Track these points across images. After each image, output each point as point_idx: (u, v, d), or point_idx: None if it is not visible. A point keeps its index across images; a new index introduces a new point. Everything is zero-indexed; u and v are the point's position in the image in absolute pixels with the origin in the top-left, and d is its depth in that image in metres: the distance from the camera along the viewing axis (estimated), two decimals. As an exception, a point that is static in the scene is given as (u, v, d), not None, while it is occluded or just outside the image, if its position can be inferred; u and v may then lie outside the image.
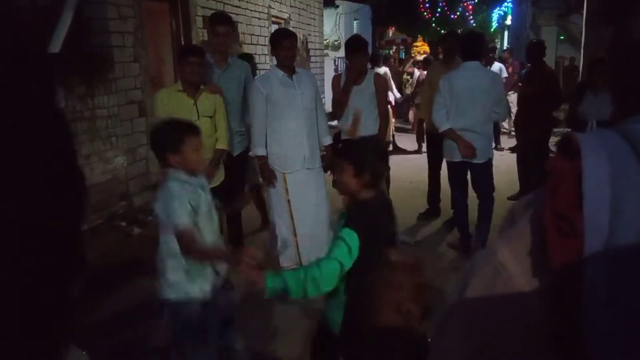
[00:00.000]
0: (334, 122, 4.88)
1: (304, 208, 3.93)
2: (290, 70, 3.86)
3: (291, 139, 3.85)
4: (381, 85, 4.31)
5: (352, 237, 1.93)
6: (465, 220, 4.42)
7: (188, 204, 2.21)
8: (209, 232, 2.35)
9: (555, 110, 5.88)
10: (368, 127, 4.23)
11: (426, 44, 14.28)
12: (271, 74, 3.94)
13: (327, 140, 4.15)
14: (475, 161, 4.21)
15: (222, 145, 3.72)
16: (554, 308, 0.47)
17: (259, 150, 3.86)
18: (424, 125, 5.68)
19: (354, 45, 4.28)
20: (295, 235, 3.97)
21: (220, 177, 3.75)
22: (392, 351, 0.75)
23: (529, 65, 5.97)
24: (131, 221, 5.19)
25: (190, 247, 2.22)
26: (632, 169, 0.45)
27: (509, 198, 5.58)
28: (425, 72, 7.93)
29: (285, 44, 3.81)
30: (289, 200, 3.93)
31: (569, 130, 6.17)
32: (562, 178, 0.48)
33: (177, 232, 2.21)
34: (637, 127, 0.49)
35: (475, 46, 4.21)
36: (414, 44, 14.84)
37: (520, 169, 5.96)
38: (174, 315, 2.39)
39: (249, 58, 5.03)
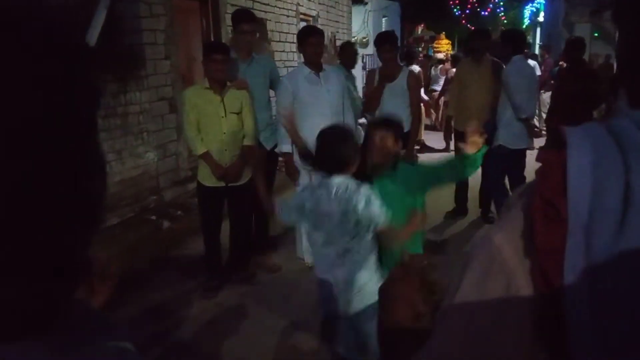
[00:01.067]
0: (362, 120, 4.89)
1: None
2: (317, 67, 3.89)
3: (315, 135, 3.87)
4: (414, 83, 4.29)
5: None
6: None
7: None
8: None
9: (594, 109, 5.70)
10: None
11: (448, 42, 14.08)
12: (298, 70, 3.97)
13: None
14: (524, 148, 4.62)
15: (249, 141, 3.74)
16: (537, 290, 0.51)
17: (284, 147, 3.89)
18: (452, 122, 5.62)
19: (377, 40, 4.35)
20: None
21: (248, 174, 3.77)
22: (405, 346, 0.79)
23: (562, 63, 5.86)
24: (161, 215, 5.30)
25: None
26: (613, 158, 0.49)
27: None
28: (454, 70, 7.87)
29: (312, 41, 3.84)
30: None
31: None
32: (550, 167, 0.52)
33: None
34: (622, 122, 0.53)
35: (522, 41, 4.74)
36: (435, 42, 14.66)
37: None
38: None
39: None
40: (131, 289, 3.83)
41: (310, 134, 3.83)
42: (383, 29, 15.64)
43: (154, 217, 5.23)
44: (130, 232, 4.85)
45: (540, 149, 7.24)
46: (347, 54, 5.30)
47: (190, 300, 3.72)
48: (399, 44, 4.72)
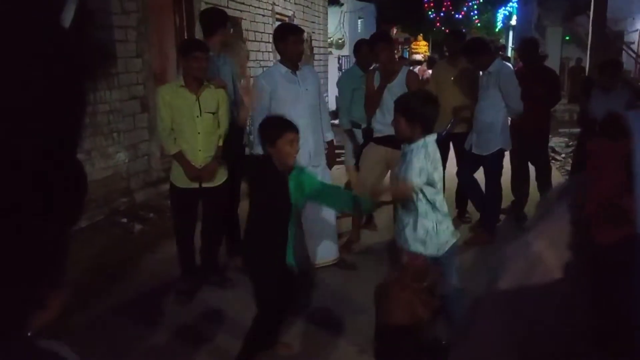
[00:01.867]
0: (336, 121, 4.82)
1: (312, 207, 3.86)
2: (294, 66, 3.81)
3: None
4: (413, 82, 4.18)
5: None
6: None
7: None
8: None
9: (552, 108, 5.64)
10: (384, 129, 4.14)
11: (425, 44, 14.16)
12: (274, 69, 3.88)
13: (330, 136, 4.10)
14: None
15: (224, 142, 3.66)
16: (597, 300, 0.45)
17: (261, 149, 3.78)
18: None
19: (372, 39, 4.29)
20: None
21: (222, 176, 3.67)
22: (400, 348, 0.75)
23: (521, 64, 5.82)
24: (132, 217, 5.15)
25: None
26: None
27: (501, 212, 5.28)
28: (429, 72, 7.89)
29: (293, 39, 3.76)
30: None
31: (580, 130, 6.11)
32: (607, 162, 0.45)
33: None
34: None
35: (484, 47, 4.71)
36: (413, 44, 14.74)
37: (516, 175, 5.39)
38: None
39: None
40: (102, 294, 3.70)
41: None
42: (359, 31, 15.68)
43: (124, 220, 5.08)
44: (100, 235, 4.69)
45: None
46: (364, 53, 4.84)
47: (163, 305, 3.60)
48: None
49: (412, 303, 0.64)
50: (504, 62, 4.76)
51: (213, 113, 3.54)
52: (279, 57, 3.99)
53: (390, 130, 4.12)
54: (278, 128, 2.66)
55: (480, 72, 4.71)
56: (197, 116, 3.46)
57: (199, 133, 3.48)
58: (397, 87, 4.11)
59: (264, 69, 8.96)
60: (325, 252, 4.08)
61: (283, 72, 3.78)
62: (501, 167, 4.70)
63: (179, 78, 3.55)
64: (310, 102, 3.85)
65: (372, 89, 4.25)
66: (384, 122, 4.14)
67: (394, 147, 4.12)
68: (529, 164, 5.35)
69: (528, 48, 5.26)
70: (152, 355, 3.07)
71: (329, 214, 4.02)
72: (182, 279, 3.73)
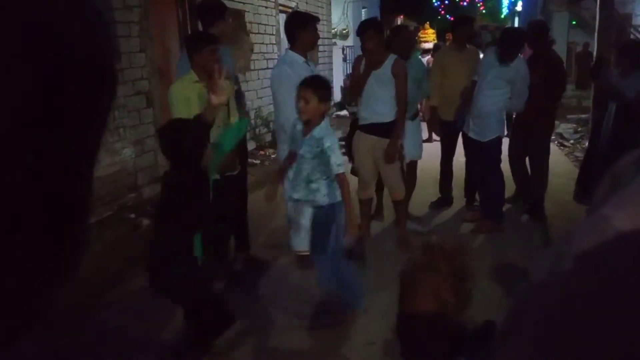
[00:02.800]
0: (343, 112, 4.78)
1: None
2: (306, 55, 3.76)
3: None
4: (400, 72, 4.10)
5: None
6: None
7: None
8: None
9: (554, 101, 5.19)
10: (384, 114, 4.08)
11: (433, 32, 13.98)
12: (292, 59, 3.75)
13: None
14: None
15: None
16: None
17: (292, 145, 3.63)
18: (431, 113, 5.51)
19: (360, 27, 4.20)
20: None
21: (237, 165, 3.67)
22: (427, 339, 0.69)
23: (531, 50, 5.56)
24: (140, 213, 5.15)
25: None
26: None
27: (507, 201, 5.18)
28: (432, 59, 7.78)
29: (313, 27, 3.73)
30: None
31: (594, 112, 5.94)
32: None
33: None
34: None
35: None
36: (420, 33, 14.55)
37: (515, 167, 5.23)
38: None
39: None
40: (109, 290, 3.71)
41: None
42: (362, 20, 15.54)
43: (132, 215, 5.08)
44: (108, 231, 4.70)
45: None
46: (401, 39, 4.66)
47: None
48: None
49: (439, 288, 0.61)
50: (522, 59, 4.66)
51: (226, 105, 3.52)
52: (284, 48, 3.93)
53: (375, 119, 4.12)
54: None
55: (481, 56, 4.66)
56: None
57: (218, 126, 3.46)
58: (383, 75, 4.06)
59: (268, 61, 8.91)
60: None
61: (300, 62, 3.72)
62: (499, 153, 4.63)
63: (191, 73, 3.46)
64: None
65: (357, 75, 4.22)
66: (369, 111, 4.11)
67: (380, 135, 4.11)
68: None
69: (538, 33, 4.99)
70: (160, 350, 3.07)
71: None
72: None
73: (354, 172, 4.43)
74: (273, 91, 3.79)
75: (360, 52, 5.10)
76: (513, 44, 4.47)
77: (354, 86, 4.23)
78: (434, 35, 13.35)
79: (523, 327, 0.42)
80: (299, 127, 3.05)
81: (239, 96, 4.11)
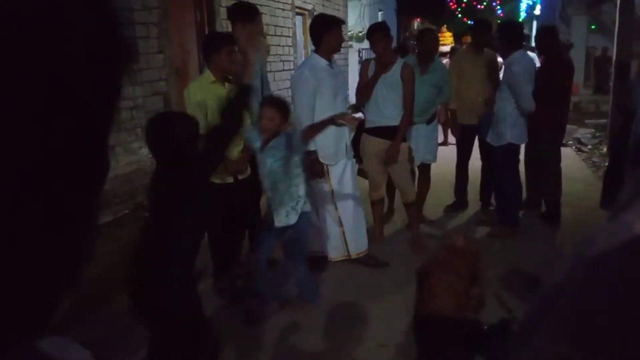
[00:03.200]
0: (358, 115, 4.80)
1: (346, 198, 3.92)
2: (330, 58, 3.79)
3: (336, 129, 3.76)
4: (408, 76, 4.13)
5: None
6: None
7: None
8: None
9: (566, 106, 5.12)
10: (392, 117, 4.12)
11: (450, 35, 13.90)
12: (314, 62, 3.78)
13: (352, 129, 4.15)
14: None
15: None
16: None
17: (310, 145, 3.65)
18: (450, 116, 5.48)
19: (368, 31, 4.26)
20: (341, 225, 3.94)
21: (248, 169, 3.68)
22: (444, 338, 0.69)
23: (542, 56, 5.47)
24: (156, 212, 5.21)
25: None
26: None
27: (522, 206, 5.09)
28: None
29: (337, 30, 3.75)
30: (332, 191, 3.88)
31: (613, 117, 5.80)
32: None
33: None
34: None
35: (519, 34, 4.60)
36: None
37: (529, 174, 5.17)
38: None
39: None
40: (124, 286, 3.75)
41: (331, 128, 3.69)
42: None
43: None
44: (124, 230, 4.76)
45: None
46: (428, 41, 4.65)
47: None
48: (393, 36, 4.56)
49: (457, 287, 0.61)
50: (524, 54, 4.51)
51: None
52: (299, 51, 3.96)
53: (383, 122, 4.14)
54: None
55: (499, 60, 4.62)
56: None
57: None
58: (391, 79, 4.10)
59: (285, 63, 8.96)
60: (360, 243, 4.04)
61: (323, 65, 3.73)
62: (511, 161, 4.53)
63: (207, 73, 3.47)
64: (344, 95, 3.89)
65: (365, 78, 4.24)
66: (377, 114, 4.14)
67: (386, 138, 4.13)
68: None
69: (545, 37, 4.91)
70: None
71: (359, 203, 4.03)
72: (219, 278, 3.69)
73: (361, 173, 4.45)
74: (291, 94, 3.85)
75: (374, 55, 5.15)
76: (506, 38, 4.45)
77: (363, 90, 4.24)
78: (452, 39, 13.27)
79: (548, 323, 0.42)
80: (258, 144, 3.14)
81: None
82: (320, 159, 3.76)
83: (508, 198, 4.64)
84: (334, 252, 3.99)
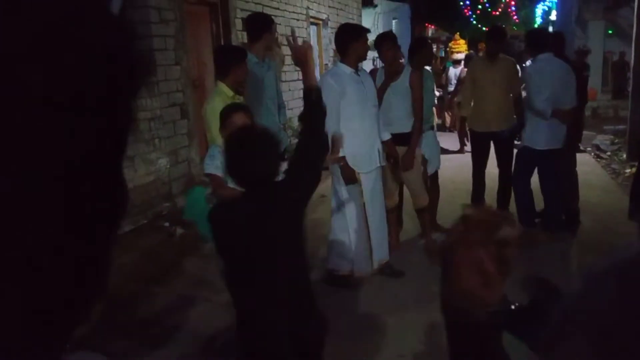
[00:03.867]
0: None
1: (375, 210, 3.87)
2: (357, 66, 3.82)
3: (367, 136, 3.76)
4: (416, 83, 4.19)
5: None
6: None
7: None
8: None
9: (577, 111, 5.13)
10: (401, 125, 4.17)
11: (464, 42, 13.87)
12: (339, 70, 3.81)
13: (386, 136, 4.08)
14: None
15: None
16: None
17: (340, 151, 3.64)
18: (467, 123, 5.48)
19: (376, 41, 4.33)
20: (369, 240, 3.86)
21: None
22: (472, 317, 0.66)
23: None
24: (174, 222, 5.26)
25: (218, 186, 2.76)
26: None
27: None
28: (465, 70, 7.74)
29: (365, 39, 3.81)
30: (364, 204, 3.82)
31: None
32: None
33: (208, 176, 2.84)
34: None
35: (543, 39, 4.59)
36: (450, 43, 14.47)
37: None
38: None
39: None
40: (144, 297, 3.80)
41: (360, 135, 3.69)
42: (393, 31, 15.57)
43: (167, 224, 5.20)
44: (143, 239, 4.82)
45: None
46: (424, 50, 4.71)
47: (204, 308, 3.66)
48: (400, 44, 4.61)
49: (482, 262, 0.57)
50: (549, 59, 4.45)
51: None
52: (315, 61, 4.00)
53: (393, 129, 4.16)
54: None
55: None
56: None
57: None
58: (400, 87, 4.15)
59: (299, 73, 9.01)
60: (383, 251, 4.00)
61: (348, 73, 3.75)
62: (523, 165, 4.54)
63: (223, 86, 3.45)
64: (373, 102, 3.86)
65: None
66: (387, 121, 4.14)
67: (398, 144, 4.18)
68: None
69: (554, 43, 4.82)
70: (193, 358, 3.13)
71: (384, 214, 4.00)
72: None
73: None
74: None
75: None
76: (530, 43, 4.60)
77: None
78: (466, 46, 13.24)
79: (573, 335, 0.43)
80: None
81: (280, 110, 4.19)
82: (352, 167, 3.73)
83: (551, 202, 4.59)
84: (360, 268, 3.90)
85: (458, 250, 0.66)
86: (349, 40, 3.75)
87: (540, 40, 4.52)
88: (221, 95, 3.42)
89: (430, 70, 5.29)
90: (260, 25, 4.02)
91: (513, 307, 0.73)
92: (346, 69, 3.74)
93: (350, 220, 3.82)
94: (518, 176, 4.66)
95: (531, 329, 0.72)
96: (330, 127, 3.53)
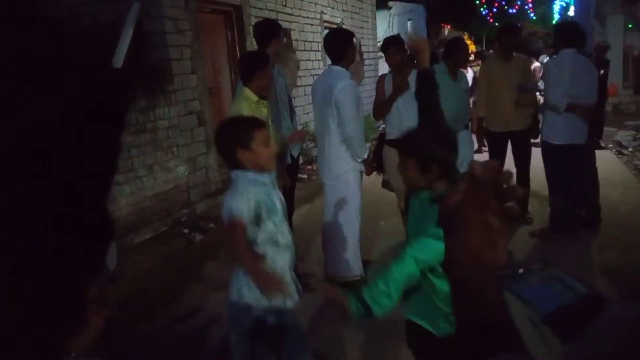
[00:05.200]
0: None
1: (332, 220, 3.87)
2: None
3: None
4: (396, 84, 4.20)
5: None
6: None
7: (252, 200, 2.09)
8: (286, 232, 2.26)
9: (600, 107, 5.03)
10: (409, 126, 4.18)
11: (472, 42, 13.75)
12: (347, 74, 3.83)
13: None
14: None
15: (277, 148, 3.71)
16: None
17: (365, 152, 3.79)
18: (484, 123, 5.44)
19: (383, 45, 4.37)
20: (360, 240, 3.88)
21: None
22: (479, 279, 0.63)
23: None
24: (193, 228, 5.34)
25: (238, 241, 2.13)
26: None
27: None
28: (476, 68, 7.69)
29: (353, 42, 3.89)
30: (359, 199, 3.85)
31: None
32: None
33: (227, 218, 2.09)
34: None
35: (572, 33, 4.44)
36: None
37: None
38: (229, 320, 2.33)
39: None
40: (164, 302, 3.86)
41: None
42: (409, 32, 15.54)
43: (186, 231, 5.27)
44: (163, 246, 4.90)
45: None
46: (460, 49, 4.65)
47: (222, 311, 3.70)
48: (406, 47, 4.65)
49: (487, 221, 0.54)
50: (573, 54, 4.37)
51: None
52: (328, 63, 4.04)
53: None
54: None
55: (535, 64, 4.55)
56: (270, 127, 3.54)
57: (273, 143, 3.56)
58: (408, 91, 4.15)
59: (314, 77, 9.05)
60: (346, 268, 3.84)
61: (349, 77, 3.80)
62: (547, 160, 4.48)
63: (248, 92, 3.46)
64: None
65: (381, 92, 4.25)
66: (396, 125, 4.14)
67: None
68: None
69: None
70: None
71: (352, 228, 3.82)
72: None
73: (385, 185, 4.44)
74: (340, 106, 3.66)
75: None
76: (557, 36, 4.51)
77: (382, 106, 4.27)
78: (474, 46, 13.15)
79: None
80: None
81: (292, 114, 4.21)
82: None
83: (578, 196, 4.52)
84: (355, 273, 3.82)
85: (464, 211, 0.63)
86: (345, 45, 3.79)
87: (569, 35, 4.41)
88: (247, 100, 3.45)
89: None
90: (269, 31, 4.04)
91: (520, 271, 0.72)
92: (349, 73, 3.77)
93: (349, 218, 3.79)
94: (547, 175, 4.58)
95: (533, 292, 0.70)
96: (361, 128, 3.68)
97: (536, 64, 8.42)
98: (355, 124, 3.62)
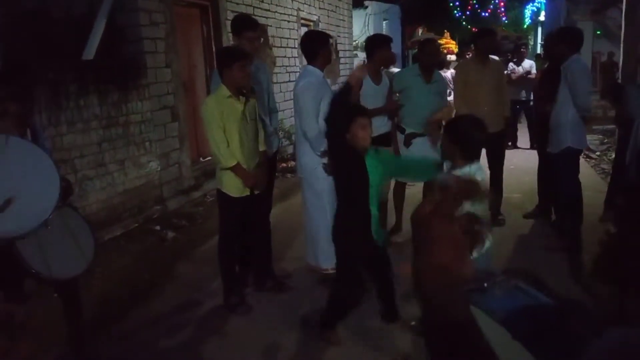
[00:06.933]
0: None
1: (312, 211, 3.88)
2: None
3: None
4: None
5: None
6: None
7: None
8: None
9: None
10: (379, 128, 4.22)
11: (452, 42, 13.88)
12: (316, 74, 3.81)
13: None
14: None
15: (263, 147, 3.66)
16: None
17: (322, 146, 3.77)
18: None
19: (366, 43, 4.56)
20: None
21: (266, 179, 3.71)
22: (446, 292, 0.66)
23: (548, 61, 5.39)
24: (165, 225, 5.24)
25: None
26: None
27: (525, 216, 5.28)
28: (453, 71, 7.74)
29: (330, 44, 3.92)
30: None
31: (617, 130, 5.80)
32: None
33: None
34: None
35: (579, 39, 4.43)
36: (439, 41, 14.49)
37: (540, 183, 5.28)
38: None
39: None
40: (136, 301, 3.77)
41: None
42: (384, 32, 15.61)
43: (158, 227, 5.17)
44: (134, 243, 4.79)
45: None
46: (430, 51, 4.69)
47: (196, 311, 3.64)
48: (400, 47, 4.76)
49: (454, 235, 0.56)
50: (581, 58, 4.44)
51: (254, 120, 3.57)
52: (304, 62, 4.01)
53: (381, 130, 4.31)
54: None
55: (510, 67, 4.57)
56: (246, 124, 3.47)
57: (250, 141, 3.50)
58: (380, 91, 4.39)
59: (291, 74, 9.00)
60: (324, 260, 3.79)
61: (321, 77, 3.78)
62: (572, 165, 4.43)
63: (222, 88, 3.42)
64: None
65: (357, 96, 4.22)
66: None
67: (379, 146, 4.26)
68: None
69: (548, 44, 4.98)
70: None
71: (325, 220, 3.68)
72: (231, 293, 3.64)
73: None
74: (297, 101, 3.74)
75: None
76: (565, 42, 4.44)
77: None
78: (455, 47, 13.30)
79: None
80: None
81: (271, 113, 4.15)
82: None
83: (566, 207, 4.52)
84: (331, 263, 3.63)
85: (434, 225, 0.66)
86: (319, 45, 3.81)
87: (574, 41, 4.42)
88: (217, 96, 3.43)
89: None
90: (241, 24, 3.97)
91: (486, 284, 0.74)
92: (319, 73, 3.78)
93: (326, 209, 3.71)
94: (568, 179, 4.46)
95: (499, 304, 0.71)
96: (312, 126, 3.60)
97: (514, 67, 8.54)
98: (311, 119, 3.63)
